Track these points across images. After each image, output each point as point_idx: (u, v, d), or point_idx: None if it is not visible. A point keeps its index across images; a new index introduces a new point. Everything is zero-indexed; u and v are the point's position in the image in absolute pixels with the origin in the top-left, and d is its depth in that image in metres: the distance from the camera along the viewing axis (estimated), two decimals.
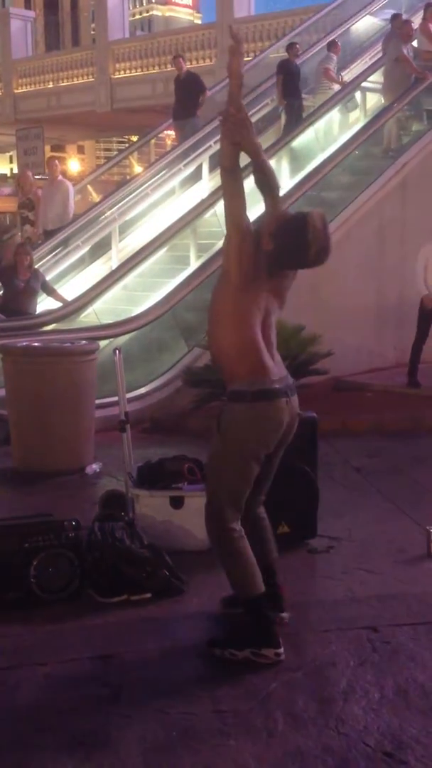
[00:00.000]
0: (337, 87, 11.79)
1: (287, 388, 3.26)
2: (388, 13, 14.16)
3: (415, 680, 3.07)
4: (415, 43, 11.14)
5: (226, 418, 3.25)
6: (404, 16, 11.92)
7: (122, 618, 3.65)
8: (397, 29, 11.08)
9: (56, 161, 12.36)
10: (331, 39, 12.76)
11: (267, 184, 3.30)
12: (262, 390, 3.19)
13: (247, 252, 3.17)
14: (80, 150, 42.16)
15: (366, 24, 14.54)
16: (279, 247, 3.19)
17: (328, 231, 3.26)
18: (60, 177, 11.92)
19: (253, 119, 11.84)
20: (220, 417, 3.27)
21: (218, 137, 12.04)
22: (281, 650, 3.21)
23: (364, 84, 11.62)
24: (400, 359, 8.92)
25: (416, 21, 11.59)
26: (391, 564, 4.24)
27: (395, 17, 11.81)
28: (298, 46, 12.60)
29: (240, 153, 3.22)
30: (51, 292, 9.14)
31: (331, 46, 12.36)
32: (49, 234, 11.30)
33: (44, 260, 10.66)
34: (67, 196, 11.48)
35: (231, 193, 3.20)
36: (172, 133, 15.70)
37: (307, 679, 3.10)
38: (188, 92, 12.44)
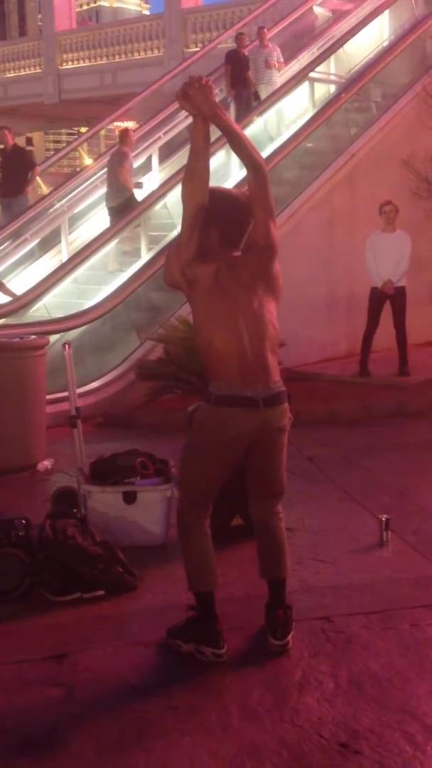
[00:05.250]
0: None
1: (259, 397, 3.08)
2: (334, 4, 14.21)
3: (369, 669, 3.08)
4: None
5: (196, 415, 3.22)
6: None
7: (75, 617, 3.60)
8: None
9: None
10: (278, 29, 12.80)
11: (240, 154, 3.12)
12: (224, 396, 3.10)
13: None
14: (29, 142, 41.62)
15: (313, 15, 14.57)
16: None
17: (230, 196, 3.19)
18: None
19: None
20: (193, 413, 3.23)
21: (168, 128, 11.83)
22: (221, 651, 3.14)
23: (311, 74, 11.65)
24: (351, 349, 8.97)
25: None
26: (345, 553, 4.26)
27: None
28: (245, 36, 12.57)
29: (210, 130, 3.04)
30: None
31: None
32: None
33: None
34: None
35: (189, 174, 3.07)
36: (121, 124, 15.50)
37: (262, 671, 3.09)
38: (16, 168, 11.42)
